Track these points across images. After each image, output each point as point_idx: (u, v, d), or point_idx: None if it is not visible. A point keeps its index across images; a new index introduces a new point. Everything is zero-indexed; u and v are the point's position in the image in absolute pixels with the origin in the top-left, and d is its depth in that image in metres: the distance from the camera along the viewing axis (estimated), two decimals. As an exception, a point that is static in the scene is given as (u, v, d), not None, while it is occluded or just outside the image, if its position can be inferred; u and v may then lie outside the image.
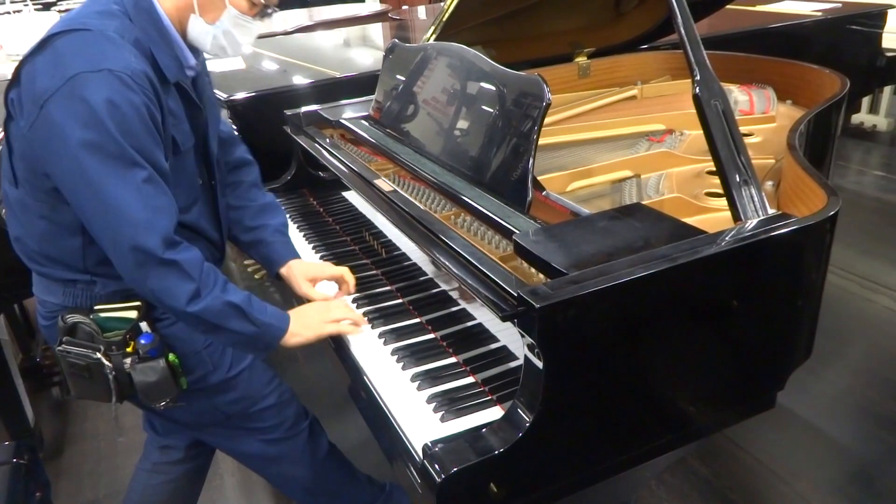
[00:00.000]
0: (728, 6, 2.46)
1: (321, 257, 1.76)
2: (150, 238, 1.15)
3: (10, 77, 1.21)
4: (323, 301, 1.47)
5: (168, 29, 1.27)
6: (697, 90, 1.22)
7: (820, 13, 3.18)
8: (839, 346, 2.66)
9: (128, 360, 1.26)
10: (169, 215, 1.19)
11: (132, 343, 1.27)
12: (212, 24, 1.29)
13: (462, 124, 1.54)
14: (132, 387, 1.28)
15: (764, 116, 2.02)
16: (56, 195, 1.21)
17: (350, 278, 1.52)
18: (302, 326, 1.36)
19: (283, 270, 1.56)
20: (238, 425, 1.49)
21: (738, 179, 1.18)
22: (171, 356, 1.30)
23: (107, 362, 1.26)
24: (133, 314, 1.30)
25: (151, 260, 1.16)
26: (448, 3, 2.01)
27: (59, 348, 1.28)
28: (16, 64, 1.22)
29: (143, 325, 1.30)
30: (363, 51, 3.37)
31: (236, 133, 1.69)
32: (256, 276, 2.13)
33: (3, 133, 1.35)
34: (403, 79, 1.82)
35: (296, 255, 1.58)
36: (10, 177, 1.27)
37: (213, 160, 1.44)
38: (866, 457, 2.15)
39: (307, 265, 1.56)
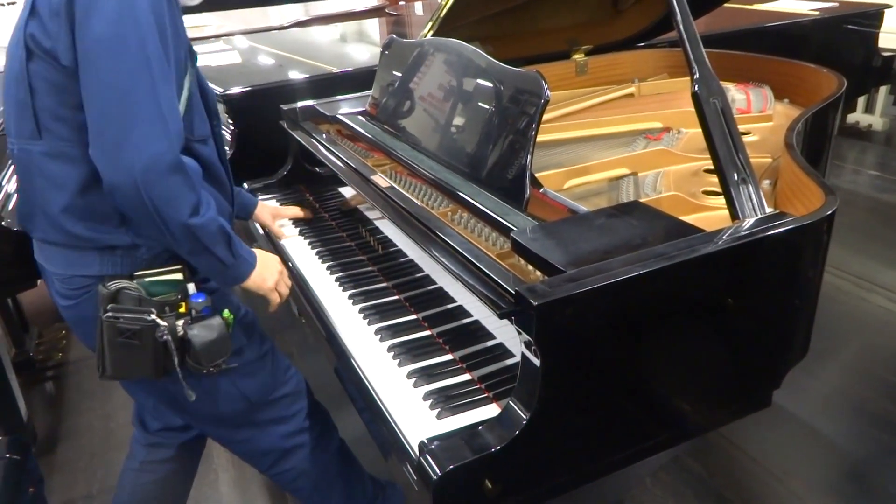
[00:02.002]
0: (726, 5, 2.47)
1: (317, 253, 1.76)
2: (164, 140, 1.12)
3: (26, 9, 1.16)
4: (280, 262, 1.48)
5: None
6: (697, 88, 1.21)
7: (817, 12, 3.19)
8: (834, 344, 2.67)
9: (180, 322, 1.22)
10: (179, 121, 1.17)
11: (184, 304, 1.24)
12: None
13: (460, 121, 1.53)
14: (181, 351, 1.23)
15: (761, 115, 2.02)
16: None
17: (303, 213, 1.81)
18: (260, 276, 1.38)
19: (256, 211, 1.82)
20: (257, 418, 1.47)
21: (736, 178, 1.18)
22: (226, 312, 1.27)
23: (162, 323, 1.21)
24: (180, 276, 1.27)
25: (162, 162, 1.11)
26: (445, -1, 2.00)
27: (107, 315, 1.20)
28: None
29: (191, 287, 1.27)
30: (360, 46, 3.36)
31: None
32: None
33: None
34: (400, 74, 1.81)
35: (257, 199, 1.84)
36: (33, 129, 1.20)
37: (212, 99, 1.40)
38: (860, 455, 2.16)
39: (269, 206, 1.87)
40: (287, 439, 1.52)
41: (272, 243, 1.88)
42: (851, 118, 4.90)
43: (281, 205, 2.03)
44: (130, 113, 1.10)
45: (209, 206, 1.21)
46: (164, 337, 1.21)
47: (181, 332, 1.22)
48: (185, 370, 1.25)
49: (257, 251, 1.40)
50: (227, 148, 2.21)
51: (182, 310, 1.24)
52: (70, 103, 1.16)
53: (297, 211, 1.92)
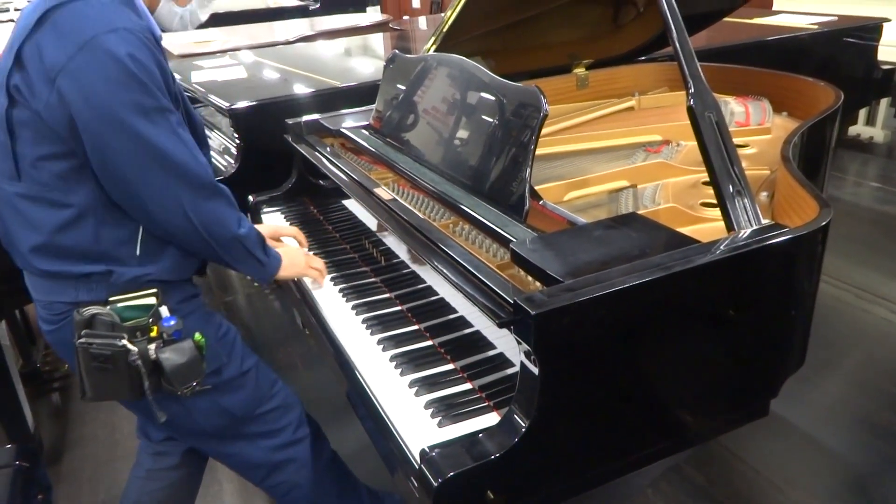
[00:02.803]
0: (725, 19, 2.50)
1: (321, 265, 1.78)
2: (201, 172, 1.26)
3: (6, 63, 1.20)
4: (305, 253, 1.67)
5: (140, 4, 1.31)
6: (692, 102, 1.24)
7: (816, 26, 3.21)
8: (835, 356, 2.68)
9: (152, 346, 1.24)
10: (198, 150, 1.29)
11: (154, 328, 1.27)
12: (182, 8, 1.42)
13: (461, 134, 1.56)
14: (155, 374, 1.25)
15: (760, 128, 2.04)
16: (70, 176, 1.22)
17: (301, 237, 1.80)
18: (290, 263, 1.54)
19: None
20: (243, 431, 1.50)
21: (731, 190, 1.20)
22: (197, 335, 1.29)
23: (133, 347, 1.23)
24: (152, 300, 1.30)
25: (207, 190, 1.27)
26: (448, 14, 2.04)
27: (80, 341, 1.23)
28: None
29: (163, 310, 1.29)
30: (364, 60, 3.40)
31: None
32: (255, 283, 2.15)
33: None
34: (403, 89, 1.84)
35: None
36: (12, 171, 1.24)
37: (201, 127, 1.46)
38: (862, 466, 2.16)
39: (267, 226, 1.86)
40: (276, 452, 1.54)
41: None
42: (853, 130, 4.92)
43: (285, 217, 2.05)
44: (162, 162, 1.21)
45: (244, 218, 1.37)
46: (136, 361, 1.23)
47: (153, 356, 1.24)
48: (159, 392, 1.27)
49: (285, 250, 1.58)
50: (231, 161, 2.25)
51: (154, 334, 1.26)
52: (50, 154, 1.21)
53: (296, 231, 1.83)
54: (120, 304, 1.29)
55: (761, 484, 2.10)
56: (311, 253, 1.77)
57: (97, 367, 1.24)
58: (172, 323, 1.27)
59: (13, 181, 1.25)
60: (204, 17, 1.47)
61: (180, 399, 1.33)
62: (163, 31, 1.40)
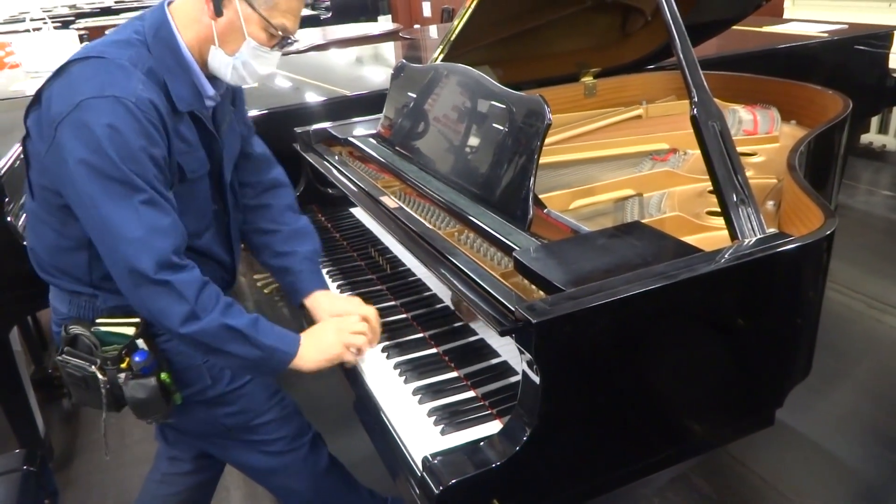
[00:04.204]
0: (735, 27, 2.50)
1: (328, 272, 1.79)
2: (144, 259, 1.17)
3: (31, 98, 1.26)
4: (335, 319, 1.42)
5: (187, 59, 1.30)
6: (695, 111, 1.24)
7: (826, 34, 3.20)
8: (846, 365, 2.65)
9: (122, 376, 1.30)
10: (168, 237, 1.21)
11: (127, 359, 1.31)
12: (231, 56, 1.30)
13: (465, 143, 1.57)
14: (122, 401, 1.33)
15: (767, 136, 2.04)
16: (66, 212, 1.26)
17: (375, 321, 1.42)
18: (315, 350, 1.33)
19: (308, 301, 1.53)
20: (239, 437, 1.52)
21: (735, 199, 1.20)
22: (164, 375, 1.33)
23: (101, 376, 1.30)
24: (131, 330, 1.33)
25: (144, 280, 1.18)
26: (456, 23, 2.05)
27: (59, 358, 1.33)
28: (35, 81, 1.27)
29: (140, 342, 1.33)
30: (374, 69, 3.42)
31: (271, 155, 1.70)
32: (266, 291, 2.16)
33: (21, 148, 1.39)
34: (410, 98, 1.85)
35: (323, 286, 1.55)
36: (28, 190, 1.33)
37: (226, 187, 1.47)
38: (873, 478, 2.14)
39: (334, 299, 1.53)
40: (272, 458, 1.55)
41: None
42: (865, 138, 4.88)
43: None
44: (112, 236, 1.19)
45: (209, 308, 1.22)
46: (105, 388, 1.30)
47: (120, 384, 1.30)
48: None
49: (307, 331, 1.38)
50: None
51: (124, 365, 1.30)
52: (49, 185, 1.26)
53: (371, 312, 1.46)
54: (103, 329, 1.34)
55: (770, 494, 2.08)
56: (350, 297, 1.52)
57: (73, 383, 1.35)
58: (141, 359, 1.31)
59: (28, 197, 1.34)
60: (263, 70, 1.35)
61: (182, 405, 1.39)
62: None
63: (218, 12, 1.26)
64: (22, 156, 1.34)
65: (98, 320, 1.35)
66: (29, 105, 1.26)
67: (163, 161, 1.24)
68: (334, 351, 1.35)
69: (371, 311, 1.45)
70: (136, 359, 1.30)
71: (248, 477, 1.67)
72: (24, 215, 1.51)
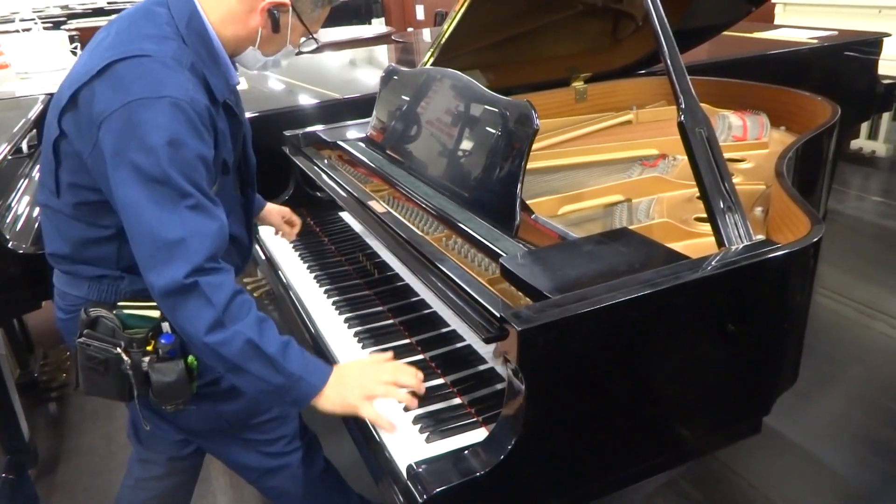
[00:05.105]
0: (726, 33, 2.50)
1: (315, 277, 1.78)
2: (177, 263, 1.12)
3: (50, 99, 1.23)
4: (371, 360, 1.31)
5: (218, 50, 1.29)
6: (682, 118, 1.24)
7: (816, 41, 3.22)
8: (836, 372, 2.66)
9: (146, 359, 1.26)
10: (208, 241, 1.16)
11: (152, 342, 1.28)
12: (266, 56, 1.36)
13: (453, 147, 1.56)
14: (145, 386, 1.27)
15: (757, 142, 2.04)
16: (104, 206, 1.23)
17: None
18: (337, 394, 1.20)
19: (264, 213, 1.85)
20: (238, 435, 1.50)
21: (721, 206, 1.20)
22: (191, 358, 1.29)
23: (126, 358, 1.25)
24: (156, 313, 1.30)
25: (178, 286, 1.12)
26: (446, 27, 2.04)
27: (80, 340, 1.26)
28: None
29: (165, 326, 1.30)
30: (366, 72, 3.41)
31: None
32: (255, 294, 2.15)
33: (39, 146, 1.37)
34: (398, 102, 1.85)
35: (264, 203, 1.85)
36: (53, 187, 1.28)
37: (253, 170, 1.48)
38: (862, 484, 2.14)
39: (278, 207, 1.89)
40: (270, 459, 1.54)
41: (273, 269, 1.91)
42: (855, 144, 4.91)
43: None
44: (152, 240, 1.14)
45: (237, 319, 1.15)
46: (127, 370, 1.26)
47: (144, 369, 1.26)
48: (147, 401, 1.30)
49: (339, 365, 1.27)
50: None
51: (149, 347, 1.28)
52: (85, 184, 1.24)
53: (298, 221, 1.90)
54: (126, 311, 1.30)
55: (759, 501, 2.08)
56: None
57: (90, 368, 1.28)
58: (168, 342, 1.28)
59: (53, 196, 1.30)
60: (284, 61, 1.48)
61: None
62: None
63: (276, 29, 1.30)
64: (45, 154, 1.30)
65: (120, 303, 1.31)
66: (63, 108, 1.21)
67: (211, 161, 1.22)
68: (350, 401, 1.19)
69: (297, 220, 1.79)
70: (163, 341, 1.27)
71: (241, 478, 1.64)
72: (38, 214, 1.44)
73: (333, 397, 1.19)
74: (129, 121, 1.13)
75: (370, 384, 1.21)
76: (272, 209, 1.88)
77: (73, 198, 1.27)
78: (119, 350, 1.26)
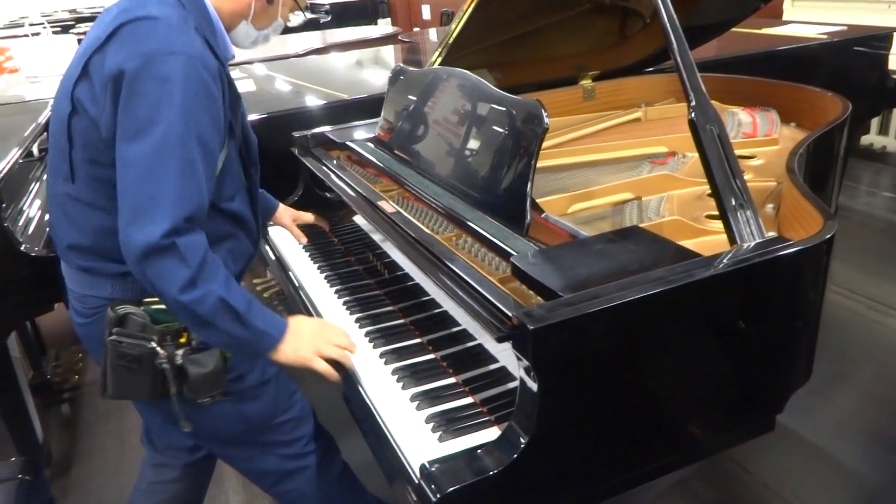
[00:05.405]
0: (735, 29, 2.49)
1: (325, 277, 1.79)
2: (170, 222, 1.14)
3: (76, 73, 1.23)
4: (321, 322, 1.44)
5: (216, 23, 1.32)
6: (693, 115, 1.23)
7: (826, 36, 3.20)
8: (848, 369, 2.64)
9: (180, 352, 1.25)
10: (194, 202, 1.18)
11: (185, 334, 1.27)
12: (257, 31, 1.41)
13: (463, 147, 1.56)
14: (178, 380, 1.26)
15: (767, 139, 2.03)
16: (116, 188, 1.22)
17: (320, 221, 1.79)
18: (292, 348, 1.30)
19: (277, 214, 1.86)
20: (258, 439, 1.49)
21: (733, 203, 1.19)
22: None
23: (161, 351, 1.24)
24: None
25: (159, 244, 1.13)
26: (453, 26, 2.04)
27: (111, 338, 1.24)
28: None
29: None
30: (374, 73, 3.42)
31: None
32: (265, 295, 2.16)
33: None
34: (407, 102, 1.85)
35: (277, 203, 1.87)
36: (67, 173, 1.28)
37: (255, 151, 1.48)
38: (875, 482, 2.13)
39: (289, 209, 1.90)
40: (289, 462, 1.53)
41: (283, 269, 1.91)
42: (865, 140, 4.87)
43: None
44: (143, 194, 1.15)
45: (210, 278, 1.19)
46: (163, 364, 1.24)
47: (179, 362, 1.25)
48: (180, 397, 1.28)
49: (292, 319, 1.34)
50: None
51: (183, 340, 1.27)
52: (102, 161, 1.23)
53: (311, 217, 1.92)
54: (154, 306, 1.29)
55: (772, 500, 2.07)
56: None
57: (123, 366, 1.25)
58: None
59: (67, 182, 1.29)
60: (272, 39, 1.49)
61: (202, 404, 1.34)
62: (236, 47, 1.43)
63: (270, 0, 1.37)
64: (57, 140, 1.30)
65: (146, 300, 1.30)
66: (76, 79, 1.22)
67: (221, 119, 1.24)
68: (305, 354, 1.32)
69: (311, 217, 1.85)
70: None
71: (256, 485, 1.63)
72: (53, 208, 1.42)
73: (288, 351, 1.29)
74: (140, 74, 1.14)
75: (322, 343, 1.34)
76: (283, 211, 1.89)
77: (89, 178, 1.26)
78: (153, 344, 1.24)
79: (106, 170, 1.23)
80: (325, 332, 1.38)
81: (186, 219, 1.17)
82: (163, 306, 1.28)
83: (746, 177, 1.34)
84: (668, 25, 1.30)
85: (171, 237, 1.14)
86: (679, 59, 1.28)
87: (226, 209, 1.35)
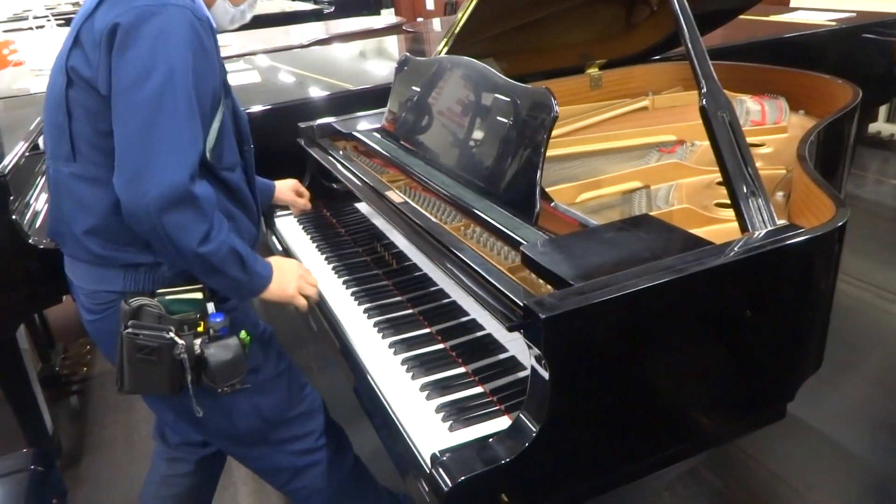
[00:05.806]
0: (742, 17, 2.47)
1: (333, 268, 1.78)
2: (181, 172, 1.14)
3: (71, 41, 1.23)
4: (300, 265, 1.49)
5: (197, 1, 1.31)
6: (704, 102, 1.22)
7: (834, 23, 3.17)
8: (856, 357, 2.63)
9: (198, 341, 1.24)
10: (198, 150, 1.19)
11: (202, 323, 1.27)
12: (234, 7, 1.42)
13: (471, 136, 1.55)
14: (198, 370, 1.25)
15: (775, 127, 2.02)
16: None
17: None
18: (278, 287, 1.38)
19: (276, 193, 1.88)
20: (271, 436, 1.49)
21: (745, 191, 1.19)
22: (243, 333, 1.29)
23: (180, 341, 1.23)
24: (199, 295, 1.29)
25: (175, 194, 1.14)
26: (460, 15, 2.03)
27: (127, 331, 1.23)
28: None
29: (211, 306, 1.30)
30: (378, 63, 3.41)
31: None
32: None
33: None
34: (414, 92, 1.84)
35: (274, 184, 1.89)
36: (68, 152, 1.26)
37: (246, 127, 1.46)
38: (884, 470, 2.13)
39: (287, 182, 1.92)
40: (301, 457, 1.53)
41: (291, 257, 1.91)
42: (873, 128, 4.84)
43: (298, 221, 2.06)
44: (151, 143, 1.14)
45: (220, 229, 1.23)
46: (181, 355, 1.23)
47: (198, 351, 1.24)
48: (198, 388, 1.27)
49: (273, 259, 1.41)
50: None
51: (200, 329, 1.26)
52: (104, 130, 1.21)
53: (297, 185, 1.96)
54: (168, 297, 1.29)
55: (780, 488, 2.07)
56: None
57: (140, 359, 1.23)
58: (220, 319, 1.28)
59: (69, 162, 1.27)
60: (249, 17, 1.49)
61: (217, 399, 1.33)
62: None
63: None
64: (53, 120, 1.29)
65: (159, 291, 1.29)
66: (69, 50, 1.22)
67: (217, 72, 1.25)
68: (289, 292, 1.41)
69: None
70: (217, 319, 1.27)
71: (269, 484, 1.63)
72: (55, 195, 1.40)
73: (276, 290, 1.38)
74: (135, 25, 1.14)
75: (304, 285, 1.44)
76: (282, 186, 1.90)
77: (91, 150, 1.24)
78: (171, 334, 1.23)
79: (107, 140, 1.21)
80: (302, 271, 1.47)
81: (195, 168, 1.18)
82: (178, 297, 1.28)
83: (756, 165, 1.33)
84: (678, 12, 1.29)
85: (193, 184, 1.16)
86: (690, 46, 1.27)
87: (227, 179, 1.33)
